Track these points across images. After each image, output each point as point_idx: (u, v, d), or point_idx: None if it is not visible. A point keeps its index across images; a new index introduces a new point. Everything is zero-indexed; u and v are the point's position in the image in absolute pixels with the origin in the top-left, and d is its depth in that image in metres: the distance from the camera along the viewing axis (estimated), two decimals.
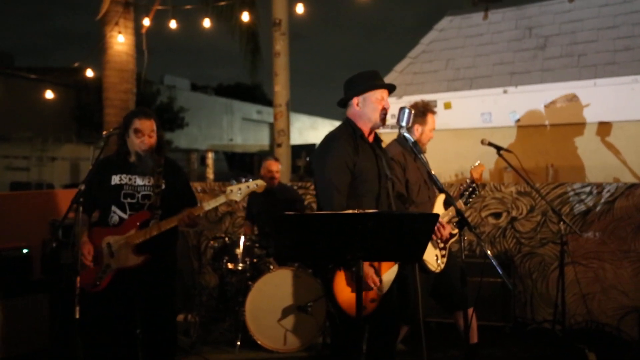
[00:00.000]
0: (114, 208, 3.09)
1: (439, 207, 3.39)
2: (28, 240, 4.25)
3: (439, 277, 3.32)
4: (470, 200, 3.49)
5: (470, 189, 3.48)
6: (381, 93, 2.77)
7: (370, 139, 2.82)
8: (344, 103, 2.84)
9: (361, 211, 2.26)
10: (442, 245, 3.32)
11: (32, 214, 4.94)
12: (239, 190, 3.07)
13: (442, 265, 3.30)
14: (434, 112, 3.55)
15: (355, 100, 2.76)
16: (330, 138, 2.77)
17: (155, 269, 3.09)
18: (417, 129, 3.47)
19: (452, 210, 3.33)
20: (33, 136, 17.99)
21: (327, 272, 2.57)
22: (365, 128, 2.79)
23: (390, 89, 2.85)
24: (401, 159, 3.33)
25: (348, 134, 2.74)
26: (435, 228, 3.03)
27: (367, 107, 2.75)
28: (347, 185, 2.65)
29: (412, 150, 2.98)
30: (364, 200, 2.68)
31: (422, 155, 2.65)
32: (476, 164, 3.58)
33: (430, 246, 3.25)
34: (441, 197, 3.41)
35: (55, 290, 4.04)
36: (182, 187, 3.29)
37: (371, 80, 2.77)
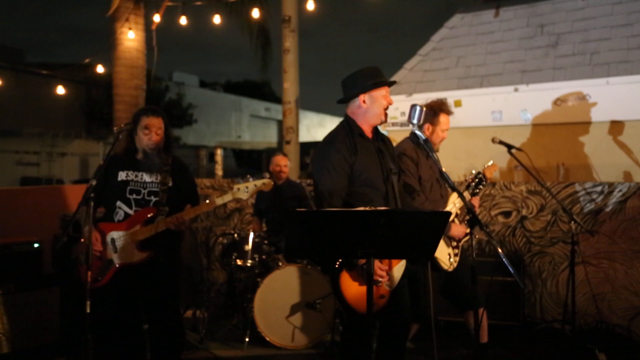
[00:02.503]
0: (119, 203, 3.10)
1: (451, 206, 3.38)
2: (38, 235, 4.27)
3: (450, 276, 3.30)
4: (477, 190, 3.45)
5: (477, 180, 3.45)
6: (385, 89, 2.76)
7: (370, 135, 2.81)
8: (347, 100, 2.82)
9: (372, 208, 2.25)
10: (455, 244, 3.31)
11: (43, 209, 4.97)
12: (246, 189, 3.06)
13: (455, 264, 3.29)
14: (448, 113, 3.48)
15: (361, 98, 2.74)
16: (326, 141, 2.76)
17: (159, 265, 3.09)
18: (428, 128, 3.44)
19: (456, 204, 3.33)
20: (43, 132, 18.10)
21: (334, 268, 2.57)
22: (367, 126, 2.77)
23: (391, 86, 2.84)
24: (413, 155, 3.32)
25: (344, 134, 2.73)
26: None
27: (374, 104, 2.73)
28: (344, 188, 2.65)
29: (423, 147, 2.97)
30: (370, 198, 2.67)
31: (433, 154, 2.64)
32: (489, 163, 3.56)
33: (443, 244, 3.24)
34: (454, 196, 3.39)
35: (66, 284, 4.07)
36: (188, 186, 3.30)
37: (375, 77, 2.75)
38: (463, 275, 3.27)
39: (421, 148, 3.31)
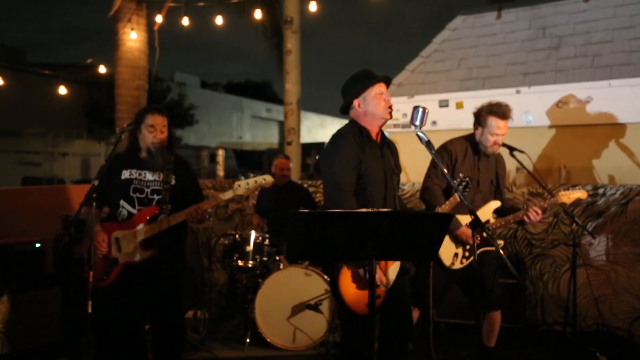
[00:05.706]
0: (122, 203, 3.10)
1: (486, 213, 3.38)
2: (40, 235, 4.28)
3: (473, 275, 3.30)
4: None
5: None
6: (379, 87, 2.75)
7: (378, 139, 2.81)
8: (346, 109, 2.85)
9: (375, 209, 2.25)
10: (465, 246, 3.31)
11: (44, 209, 4.98)
12: (247, 185, 3.10)
13: (460, 266, 3.31)
14: (499, 116, 3.32)
15: (355, 103, 2.77)
16: (337, 136, 2.78)
17: (163, 264, 3.10)
18: (477, 129, 3.42)
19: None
20: (45, 132, 18.12)
21: (333, 269, 2.57)
22: (371, 127, 2.78)
23: (385, 81, 2.81)
24: (457, 150, 3.37)
25: (355, 132, 2.75)
26: None
27: (368, 105, 2.74)
28: (354, 183, 2.66)
29: (427, 149, 2.95)
30: (370, 198, 2.67)
31: (437, 155, 2.63)
32: None
33: (448, 242, 3.25)
34: (492, 204, 3.41)
35: (67, 285, 4.07)
36: (191, 184, 3.31)
37: (364, 79, 2.77)
38: (486, 277, 3.29)
39: (473, 149, 3.37)
